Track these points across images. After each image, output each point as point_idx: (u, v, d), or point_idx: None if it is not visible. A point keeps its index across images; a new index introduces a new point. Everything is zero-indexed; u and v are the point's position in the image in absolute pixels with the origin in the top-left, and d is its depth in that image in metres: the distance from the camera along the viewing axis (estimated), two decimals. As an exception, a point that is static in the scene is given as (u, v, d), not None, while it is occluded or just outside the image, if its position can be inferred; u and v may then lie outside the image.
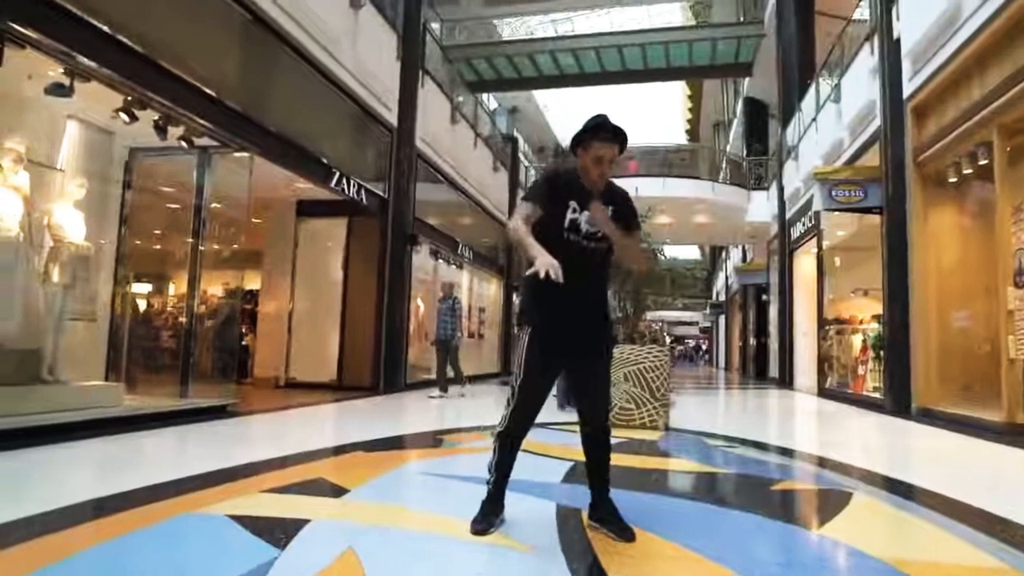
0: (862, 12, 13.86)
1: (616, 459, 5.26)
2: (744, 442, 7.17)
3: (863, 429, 9.26)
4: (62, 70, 6.65)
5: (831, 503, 4.43)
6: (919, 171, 10.93)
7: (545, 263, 2.95)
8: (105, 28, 6.69)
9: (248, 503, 3.89)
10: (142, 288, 9.37)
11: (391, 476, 4.92)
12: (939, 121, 10.29)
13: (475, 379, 17.94)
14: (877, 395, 11.96)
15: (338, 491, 4.25)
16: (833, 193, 12.39)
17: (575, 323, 3.34)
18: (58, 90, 6.76)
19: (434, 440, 6.79)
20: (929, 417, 9.83)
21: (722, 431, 8.19)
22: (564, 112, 33.64)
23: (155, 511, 3.70)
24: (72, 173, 7.57)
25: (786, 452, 6.71)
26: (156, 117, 7.73)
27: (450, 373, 12.60)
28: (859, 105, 13.12)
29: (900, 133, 11.24)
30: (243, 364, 12.59)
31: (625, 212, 3.40)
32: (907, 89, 11.07)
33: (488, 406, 11.44)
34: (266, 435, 7.20)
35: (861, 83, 13.02)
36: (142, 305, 9.46)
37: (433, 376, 16.08)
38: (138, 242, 9.05)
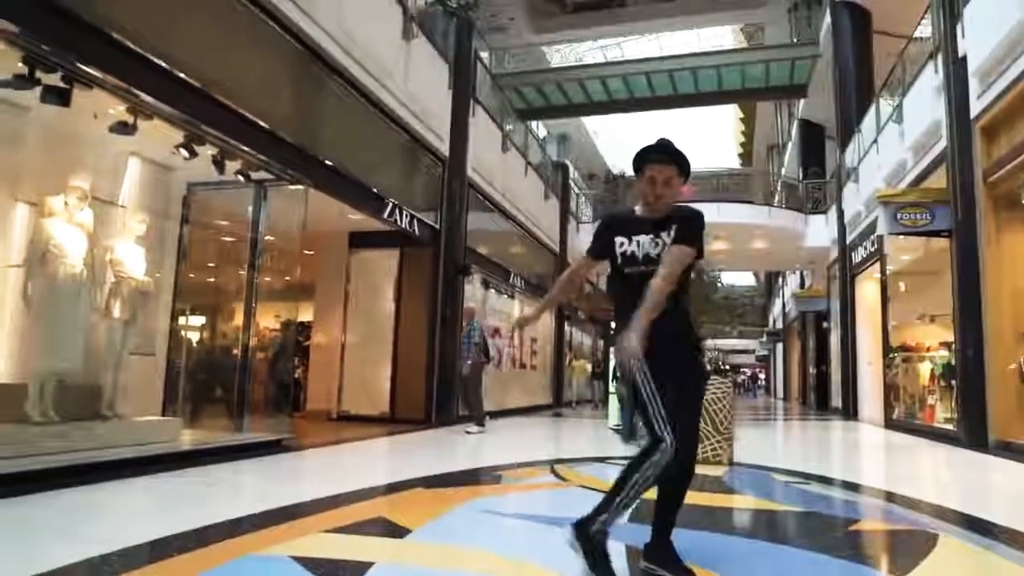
0: (923, 30, 13.75)
1: (706, 498, 5.35)
2: (814, 478, 7.02)
3: (940, 464, 9.02)
4: (125, 108, 6.81)
5: (916, 545, 4.23)
6: (990, 192, 10.70)
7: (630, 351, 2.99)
8: (167, 66, 6.88)
9: (310, 544, 3.86)
10: (197, 321, 9.49)
11: (453, 515, 4.85)
12: (1011, 140, 10.09)
13: (525, 411, 17.92)
14: (949, 427, 11.69)
15: (400, 531, 4.20)
16: (898, 216, 12.27)
17: (663, 355, 3.19)
18: (122, 128, 6.92)
19: (493, 476, 6.74)
20: (1009, 451, 9.49)
21: (790, 466, 8.02)
22: (614, 138, 33.67)
23: (218, 552, 3.68)
24: (133, 209, 7.76)
25: (860, 489, 6.52)
26: (214, 152, 7.88)
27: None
28: (923, 125, 12.95)
29: (968, 153, 11.07)
30: (295, 397, 12.66)
31: (680, 231, 3.24)
32: (975, 108, 10.90)
33: (535, 440, 11.45)
34: (322, 471, 7.21)
35: (925, 103, 12.86)
36: (197, 338, 9.58)
37: (485, 408, 16.17)
38: (194, 276, 9.18)
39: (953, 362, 11.49)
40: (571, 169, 26.98)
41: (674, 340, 3.24)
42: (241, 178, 8.41)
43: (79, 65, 6.06)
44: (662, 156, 3.28)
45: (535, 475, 6.79)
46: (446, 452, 9.31)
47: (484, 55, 17.96)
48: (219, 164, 7.98)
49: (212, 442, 7.56)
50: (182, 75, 7.09)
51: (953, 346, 11.47)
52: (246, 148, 8.08)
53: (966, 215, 11.03)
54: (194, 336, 9.49)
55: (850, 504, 5.72)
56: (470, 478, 6.73)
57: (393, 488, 5.85)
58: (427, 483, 6.12)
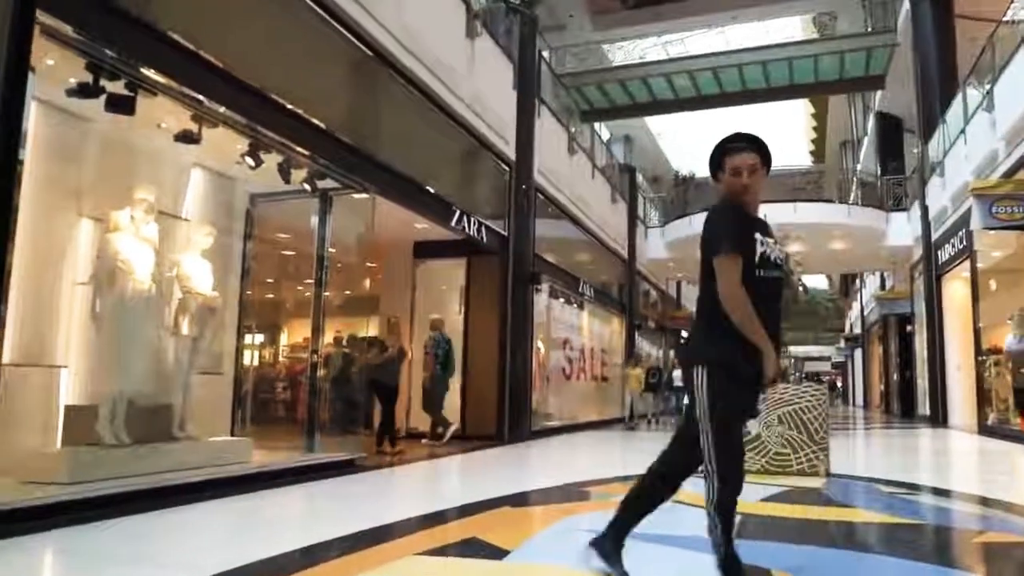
0: (1014, 12, 13.73)
1: (779, 509, 5.51)
2: (916, 488, 7.02)
3: None
4: (190, 116, 6.77)
5: None
6: None
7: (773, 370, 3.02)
8: (229, 69, 6.78)
9: (408, 568, 3.80)
10: (264, 338, 9.43)
11: (549, 534, 4.84)
12: None
13: (598, 425, 17.86)
14: None
15: (498, 552, 4.12)
16: (993, 210, 12.08)
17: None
18: (186, 137, 6.90)
19: (580, 493, 6.66)
20: None
21: (889, 476, 7.96)
22: (678, 139, 33.23)
23: None
24: (198, 222, 7.70)
25: (971, 499, 6.45)
26: (280, 160, 7.82)
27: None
28: (1017, 113, 12.65)
29: None
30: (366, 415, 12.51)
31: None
32: None
33: (614, 453, 11.45)
34: (402, 490, 7.24)
35: (1018, 89, 12.56)
36: (264, 356, 9.53)
37: (556, 422, 16.02)
38: (259, 291, 9.21)
39: None
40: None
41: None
42: (306, 187, 8.37)
43: (143, 70, 6.01)
44: (740, 144, 3.22)
45: (621, 491, 6.62)
46: (525, 469, 9.38)
47: (545, 54, 17.78)
48: (285, 172, 7.95)
49: (284, 463, 7.56)
50: (244, 79, 6.99)
51: None
52: (310, 153, 8.02)
53: None
54: (260, 354, 9.43)
55: (968, 515, 5.69)
56: (558, 496, 6.68)
57: (480, 507, 5.75)
58: (514, 502, 6.08)
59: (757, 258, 3.12)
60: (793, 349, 59.61)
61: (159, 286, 6.93)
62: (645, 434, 15.77)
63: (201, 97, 6.61)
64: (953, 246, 17.09)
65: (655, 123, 32.52)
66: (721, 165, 3.23)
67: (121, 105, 6.01)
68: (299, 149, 7.87)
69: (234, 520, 5.37)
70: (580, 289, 17.85)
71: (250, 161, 7.47)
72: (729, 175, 3.19)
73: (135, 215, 6.64)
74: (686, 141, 31.67)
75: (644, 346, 25.24)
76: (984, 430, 14.53)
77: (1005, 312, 14.52)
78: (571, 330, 18.18)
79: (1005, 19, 14.24)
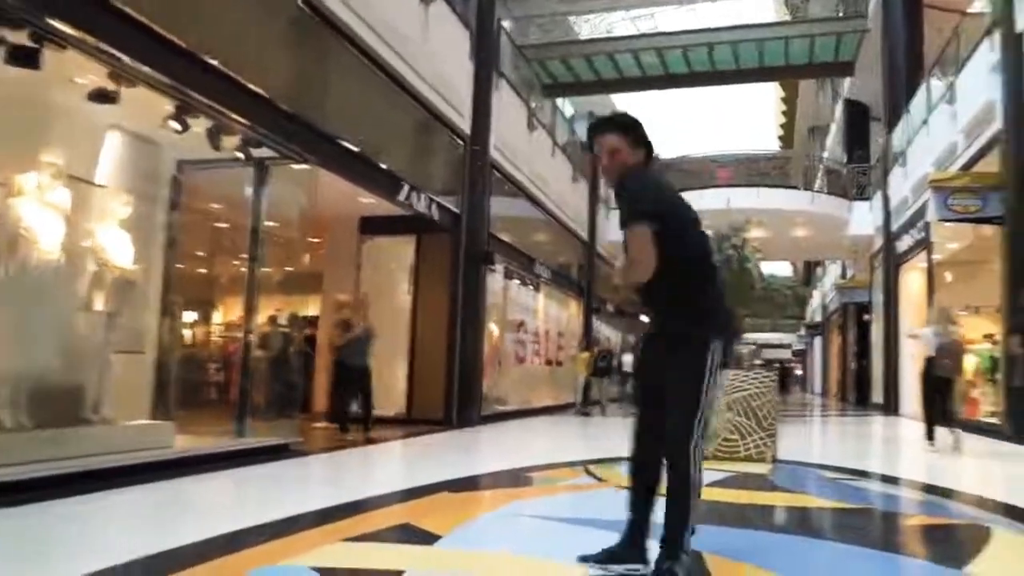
0: (977, 4, 14.08)
1: (726, 495, 5.66)
2: (861, 474, 7.42)
3: (985, 457, 9.51)
4: (106, 73, 6.27)
5: (971, 539, 4.47)
6: None
7: None
8: (152, 25, 6.35)
9: (333, 553, 3.78)
10: (191, 316, 9.02)
11: (485, 520, 4.91)
12: None
13: (553, 410, 17.82)
14: (994, 420, 11.99)
15: (430, 537, 4.13)
16: (949, 202, 12.38)
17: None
18: (102, 97, 6.40)
19: (524, 478, 6.73)
20: None
21: (834, 462, 8.37)
22: (645, 118, 32.88)
23: (230, 565, 3.53)
24: (115, 189, 7.24)
25: (909, 484, 6.88)
26: (209, 125, 7.39)
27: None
28: (977, 106, 12.93)
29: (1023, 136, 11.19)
30: (304, 398, 12.17)
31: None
32: None
33: (564, 439, 11.59)
34: (337, 476, 7.20)
35: (979, 82, 12.85)
36: (191, 335, 9.12)
37: (508, 407, 15.78)
38: (187, 265, 8.83)
39: (997, 355, 11.87)
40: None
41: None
42: (240, 155, 7.94)
43: (49, 20, 5.52)
44: (604, 128, 3.37)
45: (569, 476, 6.86)
46: (471, 454, 9.46)
47: (506, 24, 17.39)
48: (215, 138, 7.54)
49: (211, 448, 7.35)
50: (171, 36, 6.56)
51: (997, 339, 11.89)
52: (245, 120, 7.61)
53: (1018, 202, 11.15)
54: (189, 333, 9.02)
55: (902, 499, 6.12)
56: (500, 481, 6.81)
57: (416, 493, 5.76)
58: (453, 487, 6.08)
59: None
60: (753, 335, 60.05)
61: (70, 257, 6.53)
62: (599, 420, 15.73)
63: (118, 53, 6.12)
64: (912, 237, 17.41)
65: (621, 101, 32.22)
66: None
67: (24, 58, 5.52)
68: (231, 114, 7.45)
69: (151, 507, 5.24)
70: (536, 270, 17.66)
71: (175, 125, 7.02)
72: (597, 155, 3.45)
73: (41, 179, 6.19)
74: (653, 120, 31.41)
75: (603, 331, 25.13)
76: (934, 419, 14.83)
77: (958, 304, 14.74)
78: (526, 312, 18.02)
79: (970, 11, 14.59)
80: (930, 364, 9.72)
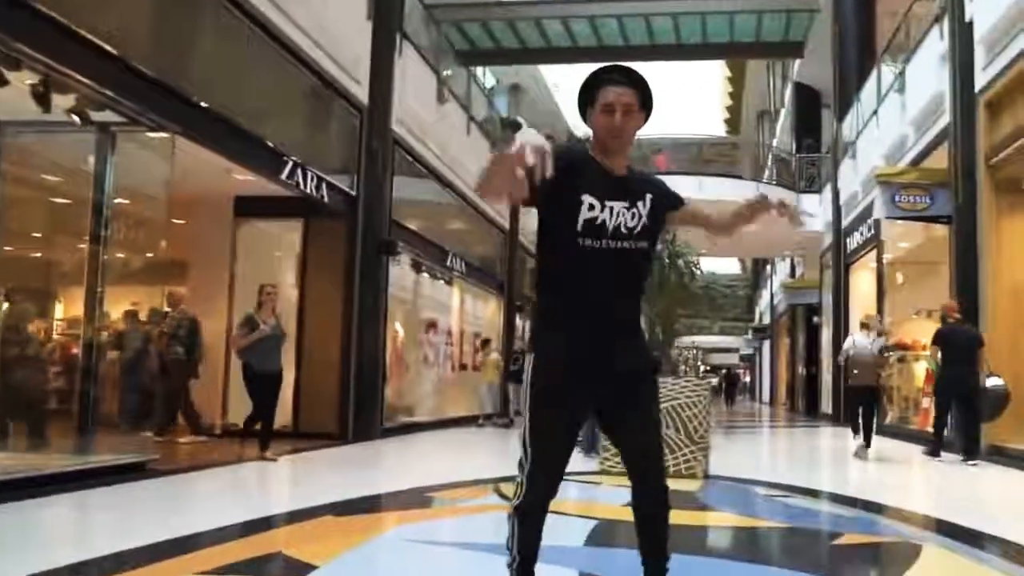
0: None
1: None
2: (796, 490, 7.59)
3: (928, 472, 9.97)
4: None
5: (899, 557, 4.75)
6: (992, 175, 11.11)
7: (519, 149, 2.46)
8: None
9: None
10: (19, 310, 8.45)
11: (371, 546, 4.87)
12: (1016, 118, 10.43)
13: (468, 420, 17.59)
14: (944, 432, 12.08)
15: (301, 568, 4.07)
16: (896, 199, 12.71)
17: (602, 349, 2.96)
18: None
19: (422, 498, 6.82)
20: (1002, 456, 10.29)
21: (770, 478, 8.59)
22: (573, 92, 32.80)
23: None
24: None
25: (844, 501, 7.17)
26: (35, 81, 6.89)
27: None
28: (926, 97, 13.34)
29: (971, 130, 11.45)
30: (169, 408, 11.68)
31: (663, 198, 3.12)
32: (980, 80, 11.24)
33: (476, 454, 11.74)
34: (200, 499, 7.02)
35: (929, 72, 13.25)
36: (17, 332, 8.55)
37: (416, 418, 15.44)
38: (14, 247, 8.34)
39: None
40: (525, 127, 26.12)
41: (626, 328, 3.09)
42: (76, 118, 7.47)
43: None
44: (622, 77, 3.03)
45: (476, 496, 6.95)
46: (366, 472, 9.43)
47: (415, -22, 17.06)
48: (41, 97, 7.03)
49: (46, 467, 7.02)
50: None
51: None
52: (81, 77, 7.11)
53: (967, 200, 11.44)
54: (12, 328, 8.45)
55: (833, 517, 6.42)
56: (393, 502, 6.79)
57: (294, 517, 5.73)
58: (338, 510, 6.02)
59: (580, 224, 2.89)
60: (698, 339, 60.84)
61: None
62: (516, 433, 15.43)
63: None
64: (862, 234, 17.85)
65: (552, 72, 32.12)
66: (592, 99, 3.02)
67: None
68: (63, 69, 6.92)
69: None
70: (448, 263, 17.45)
71: None
72: (600, 111, 2.97)
73: None
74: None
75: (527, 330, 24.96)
76: (882, 430, 14.94)
77: (911, 307, 15.76)
78: (437, 310, 17.81)
79: None
80: (846, 374, 11.08)
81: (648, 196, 3.03)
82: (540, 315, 3.17)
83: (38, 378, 8.56)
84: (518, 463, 3.04)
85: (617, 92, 2.97)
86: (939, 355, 10.49)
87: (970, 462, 9.85)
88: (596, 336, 2.93)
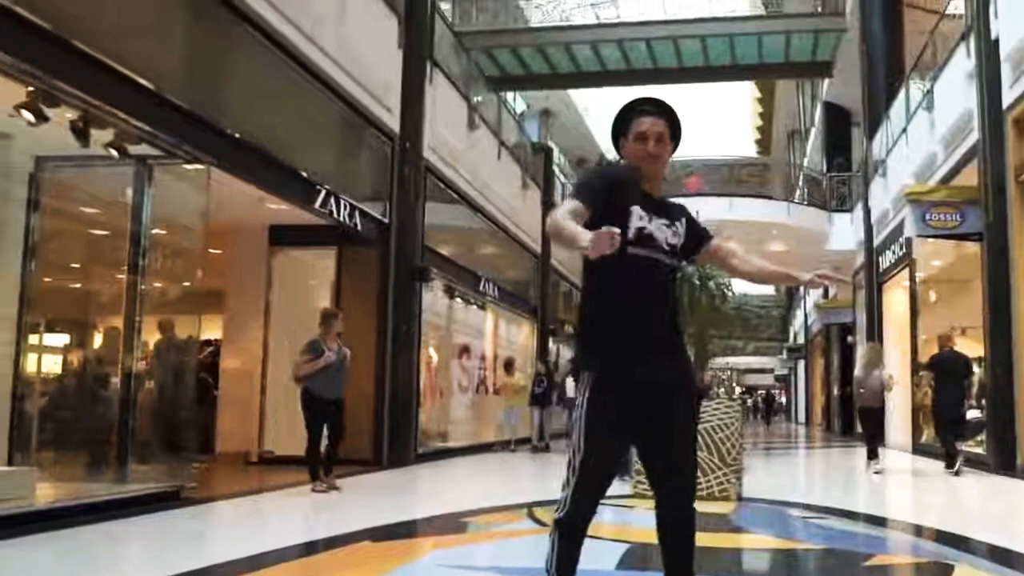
0: (956, 5, 14.23)
1: None
2: (830, 511, 7.63)
3: (964, 491, 9.97)
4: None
5: None
6: (1022, 191, 11.13)
7: (598, 234, 2.67)
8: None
9: None
10: (59, 340, 8.55)
11: (405, 572, 4.89)
12: None
13: (497, 446, 17.38)
14: (980, 450, 12.40)
15: None
16: (927, 217, 12.81)
17: (652, 363, 3.07)
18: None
19: (457, 524, 6.84)
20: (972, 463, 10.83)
21: (804, 500, 8.77)
22: (609, 116, 32.73)
23: None
24: None
25: (878, 521, 7.23)
26: (74, 117, 6.97)
27: None
28: (955, 114, 13.31)
29: (1000, 147, 11.45)
30: (203, 436, 11.86)
31: (692, 228, 3.33)
32: (1007, 97, 11.24)
33: (509, 479, 11.80)
34: (237, 527, 7.06)
35: (956, 89, 13.26)
36: (59, 363, 8.66)
37: (450, 443, 15.37)
38: (54, 279, 8.46)
39: (983, 380, 12.34)
40: (556, 152, 26.19)
41: (673, 341, 3.20)
42: (113, 152, 7.54)
43: None
44: (649, 107, 3.26)
45: (510, 521, 6.98)
46: (400, 498, 9.43)
47: (445, 7, 17.14)
48: (81, 133, 7.09)
49: (83, 497, 7.04)
50: (19, 8, 6.06)
51: (983, 362, 12.24)
52: (119, 112, 7.18)
53: (998, 217, 11.46)
54: (56, 360, 8.54)
55: (868, 538, 6.43)
56: (428, 528, 6.81)
57: (332, 543, 5.78)
58: (376, 535, 6.08)
59: (632, 232, 3.04)
60: (733, 360, 60.52)
61: None
62: (556, 457, 15.30)
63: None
64: (894, 253, 17.74)
65: (581, 97, 32.13)
66: (626, 130, 3.25)
67: None
68: (101, 105, 7.00)
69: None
70: (481, 288, 17.40)
71: (28, 115, 6.59)
72: (633, 140, 3.20)
73: None
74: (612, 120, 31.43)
75: (566, 354, 24.86)
76: (918, 449, 15.51)
77: (945, 325, 15.19)
78: (470, 335, 17.73)
79: (948, 12, 15.03)
80: (857, 395, 12.56)
81: (683, 219, 3.26)
82: (587, 325, 3.24)
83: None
84: (564, 479, 3.12)
85: (649, 122, 3.19)
86: (933, 379, 11.76)
87: (951, 471, 10.96)
88: (640, 346, 3.03)
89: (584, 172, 3.83)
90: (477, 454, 15.73)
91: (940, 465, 12.71)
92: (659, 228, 3.13)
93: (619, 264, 2.96)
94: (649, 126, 3.19)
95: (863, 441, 12.58)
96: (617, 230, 2.73)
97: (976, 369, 12.40)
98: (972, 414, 11.72)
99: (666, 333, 3.13)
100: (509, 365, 18.52)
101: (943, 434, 11.60)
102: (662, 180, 3.31)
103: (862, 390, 12.49)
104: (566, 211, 3.00)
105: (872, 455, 12.08)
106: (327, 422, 9.06)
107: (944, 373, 11.51)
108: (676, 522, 3.11)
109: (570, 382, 16.11)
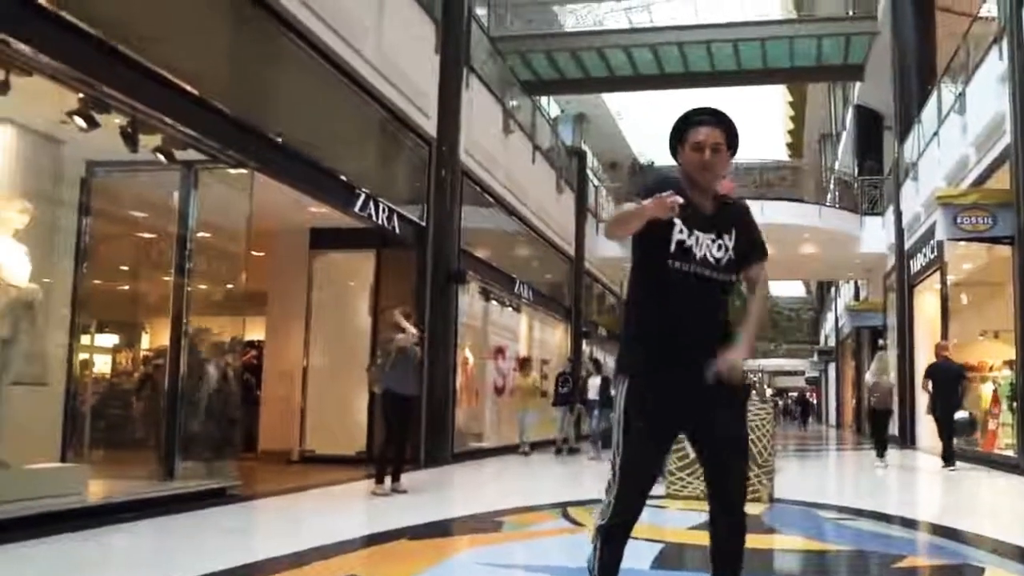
0: (989, 8, 14.21)
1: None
2: (861, 513, 7.64)
3: (995, 494, 10.15)
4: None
5: None
6: None
7: (657, 202, 2.85)
8: (49, 5, 5.95)
9: None
10: (108, 341, 8.65)
11: (445, 569, 4.95)
12: None
13: (537, 445, 17.17)
14: (1011, 453, 12.46)
15: None
16: (958, 220, 12.66)
17: (692, 371, 3.04)
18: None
19: (493, 523, 6.80)
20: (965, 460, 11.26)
21: (834, 501, 8.79)
22: (641, 120, 32.74)
23: None
24: (9, 194, 6.91)
25: (908, 523, 7.28)
26: (123, 123, 7.06)
27: None
28: (987, 117, 13.23)
29: None
30: (246, 435, 11.89)
31: (746, 240, 3.24)
32: None
33: (543, 479, 11.72)
34: (280, 524, 7.16)
35: (989, 92, 13.15)
36: (109, 363, 8.76)
37: (485, 443, 15.34)
38: (104, 281, 8.49)
39: (1014, 382, 12.45)
40: (589, 156, 26.14)
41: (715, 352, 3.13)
42: (160, 157, 7.63)
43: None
44: (706, 117, 3.24)
45: (544, 520, 7.03)
46: (437, 496, 9.38)
47: (481, 12, 17.16)
48: (130, 138, 7.19)
49: (132, 494, 7.11)
50: (72, 18, 6.14)
51: (1016, 365, 12.24)
52: (166, 118, 7.29)
53: None
54: (106, 360, 8.64)
55: (898, 540, 6.42)
56: (465, 526, 6.89)
57: (372, 540, 5.81)
58: (414, 533, 6.10)
59: (673, 246, 3.07)
60: (764, 362, 60.11)
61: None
62: (578, 459, 15.27)
63: (6, 36, 5.73)
64: (925, 256, 17.61)
65: (616, 101, 32.06)
66: (682, 139, 3.23)
67: None
68: (149, 111, 7.09)
69: (57, 566, 5.01)
70: (516, 290, 17.41)
71: (80, 121, 6.69)
72: (689, 149, 3.18)
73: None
74: (651, 124, 31.31)
75: (600, 356, 24.78)
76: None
77: (976, 328, 15.78)
78: (505, 337, 17.71)
79: (980, 15, 14.86)
80: (870, 399, 14.44)
81: (733, 230, 3.18)
82: (628, 335, 3.29)
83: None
84: (606, 484, 3.13)
85: (706, 131, 3.17)
86: (930, 385, 12.52)
87: (949, 468, 12.05)
88: (682, 356, 3.03)
89: (633, 184, 3.89)
90: (512, 454, 15.68)
91: (972, 467, 12.96)
92: (701, 243, 3.12)
93: (661, 276, 3.06)
94: (706, 135, 3.17)
95: (873, 441, 14.23)
96: (679, 198, 2.84)
97: (967, 375, 13.35)
98: (960, 415, 12.87)
99: (708, 342, 3.09)
100: (524, 364, 17.28)
101: (941, 435, 12.55)
102: (714, 191, 3.24)
103: (875, 395, 14.23)
104: (619, 208, 3.14)
105: (880, 453, 13.52)
106: (399, 420, 8.72)
107: (940, 380, 12.43)
108: (723, 526, 3.13)
109: (592, 382, 15.81)
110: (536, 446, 16.38)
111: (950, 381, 12.37)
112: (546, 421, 17.37)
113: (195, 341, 8.90)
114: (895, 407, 16.51)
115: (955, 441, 12.61)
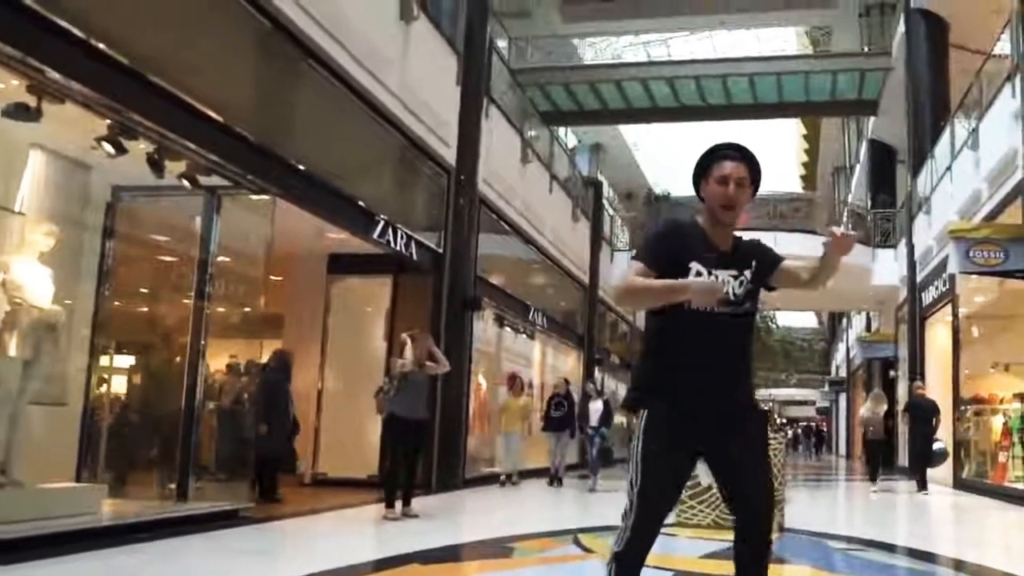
0: (1003, 46, 14.15)
1: (717, 567, 5.57)
2: (871, 544, 7.56)
3: (1004, 526, 10.09)
4: (26, 87, 5.99)
5: None
6: None
7: (698, 281, 2.94)
8: (82, 35, 5.99)
9: None
10: (126, 362, 8.67)
11: None
12: None
13: (548, 472, 16.71)
14: (1021, 486, 12.39)
15: None
16: (971, 254, 12.53)
17: (706, 403, 3.08)
18: (21, 112, 6.12)
19: (504, 548, 6.75)
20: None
21: (844, 532, 8.61)
22: (657, 151, 32.81)
23: None
24: (36, 217, 6.95)
25: (918, 555, 7.17)
26: (150, 149, 7.13)
27: None
28: (999, 153, 13.25)
29: None
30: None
31: (765, 259, 3.24)
32: None
33: (553, 507, 11.60)
34: (291, 547, 7.08)
35: (1002, 128, 13.16)
36: (127, 384, 8.76)
37: (498, 469, 15.19)
38: (124, 303, 8.54)
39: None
40: (605, 186, 26.20)
41: (734, 395, 3.16)
42: (186, 183, 7.69)
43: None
44: (731, 152, 3.22)
45: (555, 546, 6.98)
46: (448, 522, 9.32)
47: (502, 44, 17.27)
48: (156, 164, 7.29)
49: (146, 514, 7.13)
50: (105, 47, 6.19)
51: None
52: (192, 145, 7.32)
53: None
54: (124, 381, 8.65)
55: (907, 571, 6.54)
56: (476, 552, 6.89)
57: (382, 565, 5.77)
58: (425, 558, 6.06)
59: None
60: (775, 391, 59.92)
61: (-24, 295, 6.22)
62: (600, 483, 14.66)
63: (41, 65, 5.78)
64: (936, 289, 17.62)
65: (632, 132, 32.17)
66: (707, 173, 3.21)
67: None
68: (176, 138, 7.14)
69: None
70: (530, 317, 17.36)
71: (108, 147, 6.75)
72: (714, 182, 3.16)
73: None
74: (665, 155, 31.39)
75: (609, 385, 24.71)
76: (959, 484, 15.42)
77: (988, 361, 15.55)
78: (519, 364, 17.58)
79: (994, 53, 14.82)
80: (865, 432, 15.93)
81: (753, 263, 3.17)
82: (644, 366, 3.28)
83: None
84: (623, 512, 3.10)
85: (732, 166, 3.16)
86: (908, 419, 14.49)
87: (923, 492, 13.57)
88: (701, 394, 3.03)
89: (645, 234, 3.83)
90: (523, 479, 15.26)
91: (982, 500, 13.17)
92: (721, 281, 3.09)
93: (679, 312, 3.02)
94: (731, 170, 3.16)
95: (868, 468, 15.82)
96: (721, 286, 2.93)
97: (939, 410, 14.48)
98: (937, 445, 14.43)
99: (727, 375, 3.11)
100: (514, 381, 14.75)
101: (916, 463, 14.38)
102: (734, 228, 3.22)
103: (871, 428, 15.70)
104: (634, 274, 3.06)
105: (873, 479, 15.05)
106: (407, 445, 8.53)
107: (917, 416, 14.28)
108: (745, 555, 3.10)
109: (593, 407, 14.52)
110: (524, 475, 14.78)
111: (926, 415, 14.06)
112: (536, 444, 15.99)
113: (212, 364, 8.96)
114: (904, 438, 17.26)
115: (928, 471, 14.07)
